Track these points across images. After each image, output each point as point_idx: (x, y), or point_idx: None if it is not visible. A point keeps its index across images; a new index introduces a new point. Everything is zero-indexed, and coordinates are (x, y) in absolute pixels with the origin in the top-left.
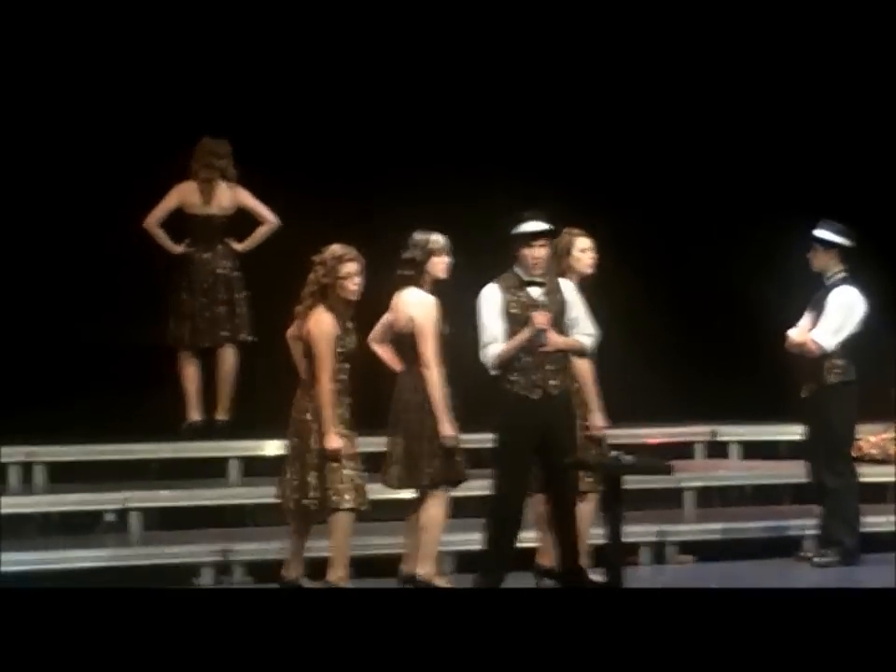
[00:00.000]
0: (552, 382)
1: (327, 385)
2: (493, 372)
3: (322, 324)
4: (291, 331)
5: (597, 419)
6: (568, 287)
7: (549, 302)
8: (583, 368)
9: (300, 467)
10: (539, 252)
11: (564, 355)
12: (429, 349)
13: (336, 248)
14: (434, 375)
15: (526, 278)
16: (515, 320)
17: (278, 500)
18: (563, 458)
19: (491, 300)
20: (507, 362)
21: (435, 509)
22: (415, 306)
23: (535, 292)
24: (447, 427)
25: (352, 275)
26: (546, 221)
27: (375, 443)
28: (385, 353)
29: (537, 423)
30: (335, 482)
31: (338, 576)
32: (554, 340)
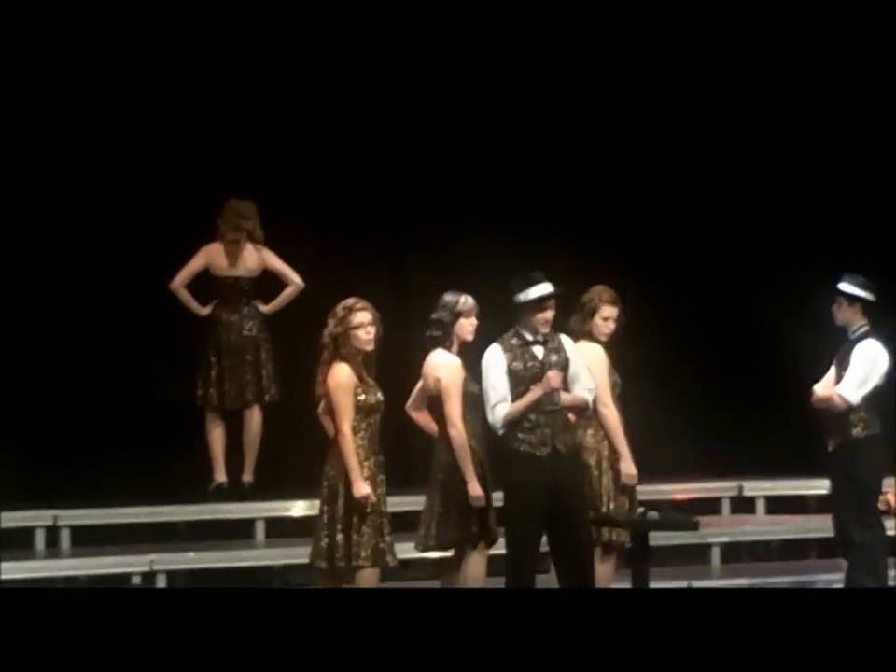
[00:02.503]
0: (559, 439)
1: (349, 435)
2: (500, 432)
3: (337, 375)
4: (320, 399)
5: (629, 467)
6: (569, 344)
7: (553, 361)
8: (610, 417)
9: (329, 528)
10: (549, 315)
11: (572, 411)
12: (455, 411)
13: (347, 300)
14: (459, 436)
15: (530, 337)
16: (520, 380)
17: (310, 561)
18: (573, 517)
19: (497, 360)
20: (515, 422)
21: (473, 569)
22: (441, 368)
23: (539, 351)
24: (474, 488)
25: (364, 325)
26: (551, 282)
27: (403, 503)
28: (422, 419)
29: (546, 480)
30: (360, 542)
31: None
32: (562, 398)
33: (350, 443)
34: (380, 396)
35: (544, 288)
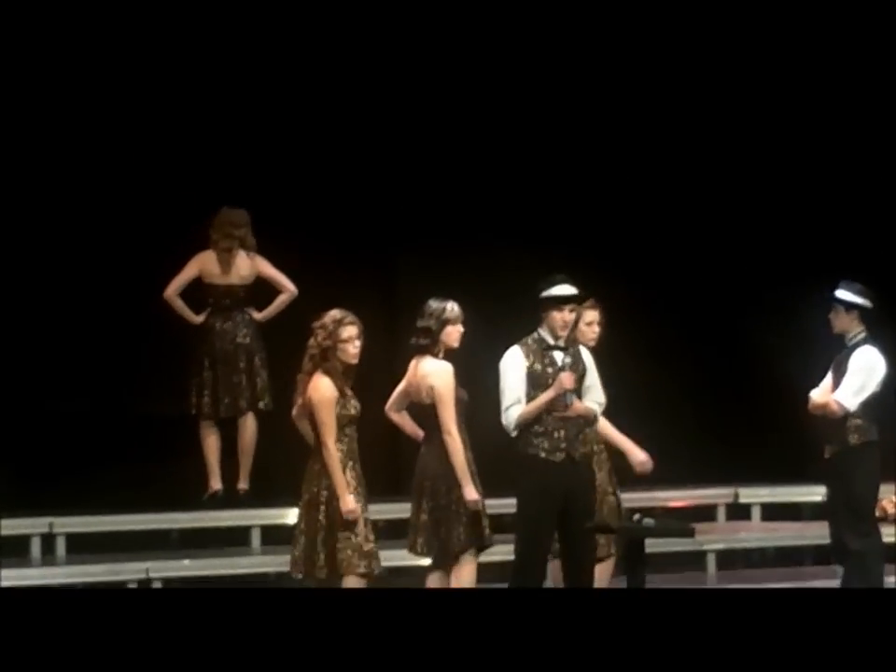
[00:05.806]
0: (574, 445)
1: (334, 449)
2: (513, 434)
3: (321, 389)
4: (296, 406)
5: (638, 454)
6: (587, 355)
7: (572, 367)
8: (603, 425)
9: (310, 537)
10: (568, 316)
11: (583, 420)
12: (450, 417)
13: (335, 312)
14: (456, 442)
15: (551, 342)
16: (538, 383)
17: (290, 571)
18: (583, 523)
19: (515, 362)
20: (529, 424)
21: (465, 575)
22: (434, 375)
23: (558, 356)
24: (471, 492)
25: (352, 338)
26: (574, 286)
27: (392, 510)
28: (403, 421)
29: (560, 486)
30: (345, 549)
31: None
32: (574, 405)
33: (336, 458)
34: (357, 406)
35: (565, 289)
